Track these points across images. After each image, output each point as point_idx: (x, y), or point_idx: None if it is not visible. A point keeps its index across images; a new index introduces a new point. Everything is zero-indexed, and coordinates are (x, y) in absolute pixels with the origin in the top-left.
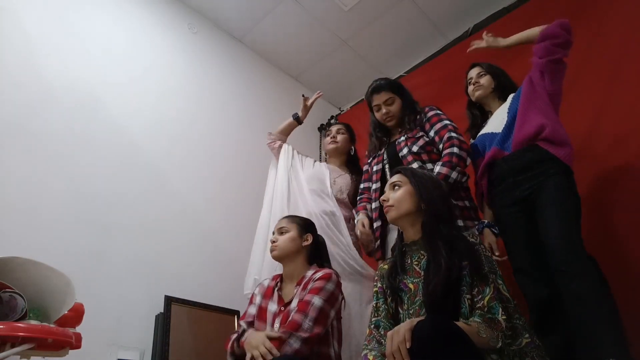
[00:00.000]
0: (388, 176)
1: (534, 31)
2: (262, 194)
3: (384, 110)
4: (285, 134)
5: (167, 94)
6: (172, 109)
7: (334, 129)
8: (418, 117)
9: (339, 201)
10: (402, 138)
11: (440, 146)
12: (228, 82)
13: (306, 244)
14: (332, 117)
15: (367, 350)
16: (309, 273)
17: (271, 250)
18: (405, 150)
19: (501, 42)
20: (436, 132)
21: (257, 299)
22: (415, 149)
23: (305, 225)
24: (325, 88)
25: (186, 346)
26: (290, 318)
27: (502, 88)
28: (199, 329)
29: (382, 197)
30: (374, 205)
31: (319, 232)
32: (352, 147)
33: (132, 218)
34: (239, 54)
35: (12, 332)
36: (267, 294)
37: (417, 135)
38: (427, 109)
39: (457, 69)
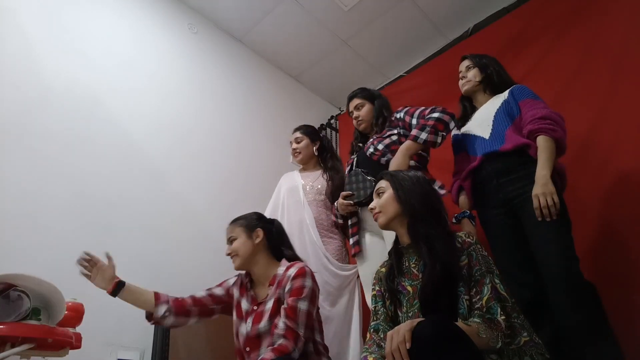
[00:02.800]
0: (354, 166)
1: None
2: (263, 194)
3: (354, 114)
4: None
5: (167, 94)
6: (172, 109)
7: (292, 139)
8: (387, 121)
9: (319, 203)
10: (370, 140)
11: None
12: (228, 82)
13: (258, 241)
14: (332, 117)
15: (367, 353)
16: (280, 270)
17: (233, 263)
18: (371, 149)
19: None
20: (418, 117)
21: (235, 293)
22: (380, 147)
23: (250, 223)
24: (325, 88)
25: (186, 346)
26: (283, 326)
27: (491, 81)
28: (199, 329)
29: (369, 206)
30: None
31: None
32: (315, 148)
33: (132, 219)
34: (239, 54)
35: (12, 332)
36: (242, 292)
37: (385, 135)
38: (400, 107)
39: (457, 69)
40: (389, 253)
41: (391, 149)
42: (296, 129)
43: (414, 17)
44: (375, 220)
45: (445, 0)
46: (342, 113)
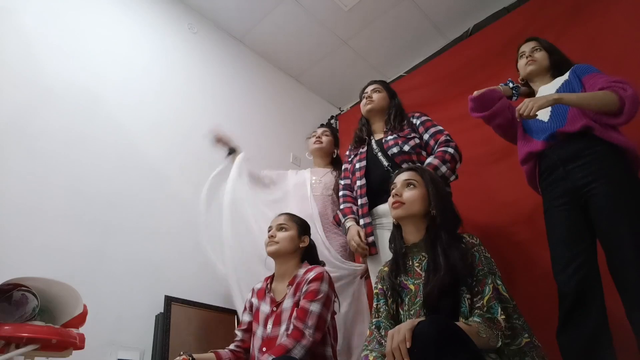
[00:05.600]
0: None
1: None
2: None
3: (368, 94)
4: None
5: (167, 94)
6: (172, 109)
7: (319, 130)
8: (405, 120)
9: (326, 198)
10: (391, 137)
11: (436, 147)
12: (228, 82)
13: (303, 246)
14: (332, 117)
15: (368, 351)
16: (301, 272)
17: (267, 245)
18: (395, 149)
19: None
20: (432, 135)
21: (254, 303)
22: (406, 148)
23: (303, 227)
24: (325, 88)
25: (186, 346)
26: (291, 327)
27: (556, 67)
28: (199, 329)
29: (394, 191)
30: (360, 201)
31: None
32: (335, 150)
33: (132, 218)
34: (239, 54)
35: (17, 332)
36: (260, 295)
37: (409, 136)
38: (417, 113)
39: (457, 69)
40: (395, 252)
41: (416, 150)
42: (325, 126)
43: (414, 17)
44: (394, 207)
45: (445, 0)
46: (342, 113)
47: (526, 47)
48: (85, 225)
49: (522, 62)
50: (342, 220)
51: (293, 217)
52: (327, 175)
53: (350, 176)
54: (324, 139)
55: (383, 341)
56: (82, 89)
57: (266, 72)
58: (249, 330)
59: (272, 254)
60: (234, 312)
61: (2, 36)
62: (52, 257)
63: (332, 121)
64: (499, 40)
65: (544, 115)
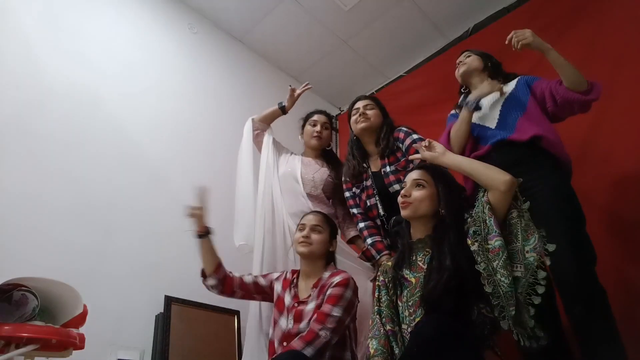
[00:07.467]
0: (380, 209)
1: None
2: None
3: (361, 111)
4: (267, 122)
5: (167, 94)
6: (172, 109)
7: (320, 121)
8: (392, 140)
9: (313, 197)
10: (390, 168)
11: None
12: (228, 82)
13: (331, 249)
14: (332, 117)
15: (369, 339)
16: (326, 275)
17: (300, 244)
18: (397, 186)
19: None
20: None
21: (277, 287)
22: None
23: (334, 231)
24: (325, 88)
25: (186, 346)
26: (308, 328)
27: (492, 70)
28: (199, 329)
29: (402, 192)
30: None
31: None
32: (330, 143)
33: (132, 218)
34: (239, 54)
35: (17, 332)
36: (285, 286)
37: (408, 168)
38: (402, 133)
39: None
40: (399, 244)
41: None
42: (325, 114)
43: (414, 17)
44: (402, 208)
45: (445, 0)
46: (342, 113)
47: (461, 57)
48: (85, 225)
49: (456, 71)
50: (377, 256)
51: (327, 220)
52: (318, 173)
53: (359, 203)
54: (325, 133)
55: (382, 329)
56: (82, 89)
57: (266, 72)
58: (256, 285)
59: (304, 255)
60: (234, 312)
61: (2, 36)
62: (52, 257)
63: (333, 121)
64: (499, 40)
65: (491, 121)
